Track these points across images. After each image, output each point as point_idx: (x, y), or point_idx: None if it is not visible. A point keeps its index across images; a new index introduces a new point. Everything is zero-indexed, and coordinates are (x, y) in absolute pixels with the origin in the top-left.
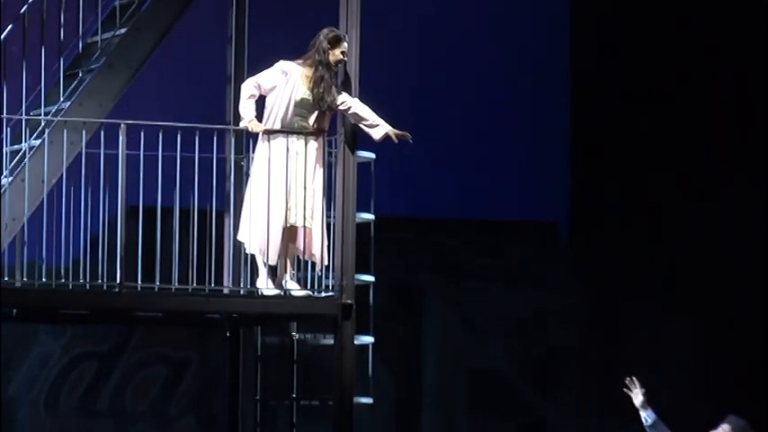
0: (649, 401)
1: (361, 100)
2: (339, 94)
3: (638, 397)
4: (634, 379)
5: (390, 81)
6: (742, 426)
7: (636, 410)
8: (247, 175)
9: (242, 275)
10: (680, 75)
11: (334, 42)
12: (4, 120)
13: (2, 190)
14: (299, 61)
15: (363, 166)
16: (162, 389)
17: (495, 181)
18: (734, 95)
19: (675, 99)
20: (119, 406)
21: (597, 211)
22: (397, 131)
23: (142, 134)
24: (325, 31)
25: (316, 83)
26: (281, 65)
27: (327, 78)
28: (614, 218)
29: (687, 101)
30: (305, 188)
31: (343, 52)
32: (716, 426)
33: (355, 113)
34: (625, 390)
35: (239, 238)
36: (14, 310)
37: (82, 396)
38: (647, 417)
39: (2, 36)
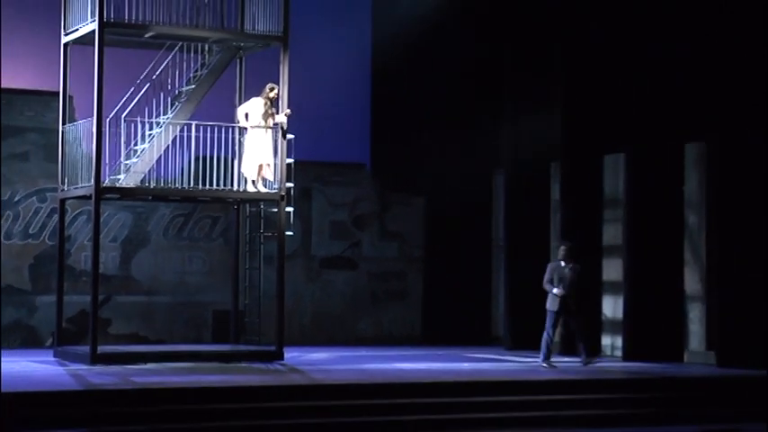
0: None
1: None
2: (275, 110)
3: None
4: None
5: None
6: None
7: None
8: (242, 145)
9: (242, 184)
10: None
11: (272, 89)
12: (145, 122)
13: (142, 151)
14: (260, 97)
15: (290, 140)
16: (209, 228)
17: (340, 141)
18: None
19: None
20: (192, 235)
21: (386, 158)
22: (285, 112)
23: (201, 128)
24: (270, 84)
25: (266, 105)
26: (254, 99)
27: (269, 104)
28: (396, 161)
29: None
30: (266, 149)
31: (276, 93)
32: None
33: (276, 117)
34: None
35: (242, 170)
36: (150, 197)
37: (177, 231)
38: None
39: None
